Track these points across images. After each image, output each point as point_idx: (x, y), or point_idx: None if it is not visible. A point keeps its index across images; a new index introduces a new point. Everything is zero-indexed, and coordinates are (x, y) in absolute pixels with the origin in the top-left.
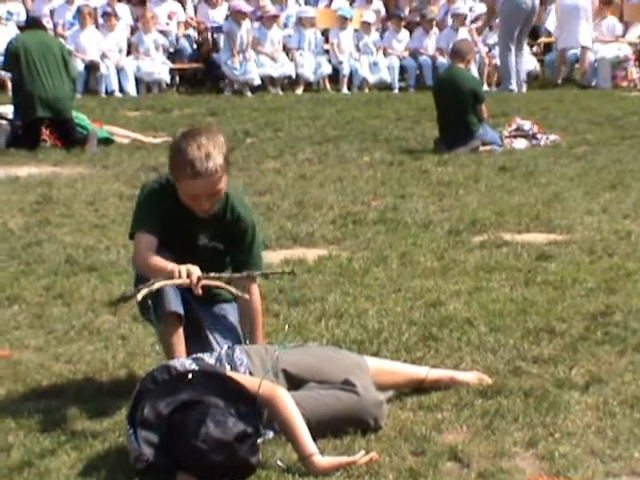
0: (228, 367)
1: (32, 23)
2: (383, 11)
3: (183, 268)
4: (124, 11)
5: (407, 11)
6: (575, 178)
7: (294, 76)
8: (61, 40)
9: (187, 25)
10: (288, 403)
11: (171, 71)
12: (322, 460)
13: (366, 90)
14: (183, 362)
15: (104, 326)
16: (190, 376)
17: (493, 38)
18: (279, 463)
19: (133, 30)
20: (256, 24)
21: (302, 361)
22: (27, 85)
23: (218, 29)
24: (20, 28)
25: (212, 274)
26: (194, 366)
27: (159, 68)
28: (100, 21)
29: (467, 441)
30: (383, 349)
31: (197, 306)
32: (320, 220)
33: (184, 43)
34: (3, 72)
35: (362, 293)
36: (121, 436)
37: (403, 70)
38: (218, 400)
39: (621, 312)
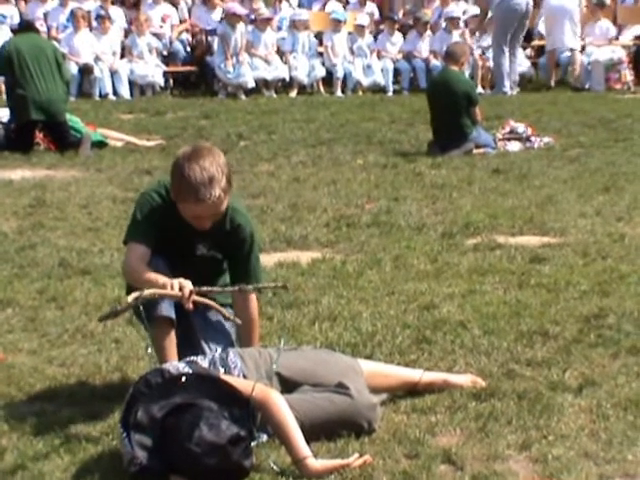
0: (222, 370)
1: (25, 26)
2: (377, 14)
3: (175, 282)
4: (118, 14)
5: (401, 14)
6: (569, 181)
7: (288, 79)
8: (54, 43)
9: (183, 22)
10: (282, 406)
11: (165, 74)
12: (316, 463)
13: (360, 93)
14: (176, 365)
15: (97, 329)
16: (183, 379)
17: (487, 41)
18: (273, 466)
19: (127, 33)
20: (250, 27)
21: (296, 364)
22: (20, 88)
23: (212, 32)
24: (13, 31)
25: (204, 288)
26: (187, 369)
27: (153, 71)
28: (94, 24)
29: (461, 444)
30: (377, 352)
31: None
32: (314, 223)
33: (178, 46)
34: None
35: (356, 296)
36: (114, 439)
37: (397, 73)
38: (212, 403)
39: (614, 315)
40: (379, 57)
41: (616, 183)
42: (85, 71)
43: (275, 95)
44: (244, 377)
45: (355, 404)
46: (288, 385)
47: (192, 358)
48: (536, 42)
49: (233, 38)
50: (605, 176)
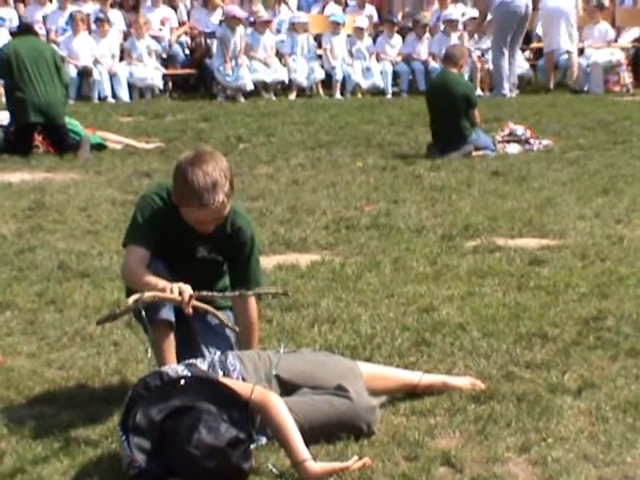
0: (221, 373)
1: (24, 29)
2: (376, 16)
3: (175, 286)
4: (117, 17)
5: (400, 16)
6: (568, 183)
7: (287, 81)
8: (53, 46)
9: (182, 25)
10: (281, 409)
11: (164, 77)
12: (315, 466)
13: (359, 95)
14: (175, 368)
15: (96, 332)
16: (182, 382)
17: (486, 43)
18: (272, 469)
19: (126, 36)
20: (249, 30)
21: (295, 367)
22: (19, 91)
23: (211, 35)
24: (12, 34)
25: (204, 292)
26: (186, 372)
27: (152, 74)
28: (93, 27)
29: (460, 446)
30: (376, 354)
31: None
32: (313, 225)
33: (177, 49)
34: None
35: (355, 298)
36: (114, 442)
37: (396, 75)
38: (211, 406)
39: (613, 317)
40: (378, 60)
41: (615, 185)
42: (84, 74)
43: (274, 98)
44: (243, 380)
45: (354, 407)
46: (287, 388)
47: (191, 361)
48: (535, 44)
49: (232, 41)
50: (604, 178)
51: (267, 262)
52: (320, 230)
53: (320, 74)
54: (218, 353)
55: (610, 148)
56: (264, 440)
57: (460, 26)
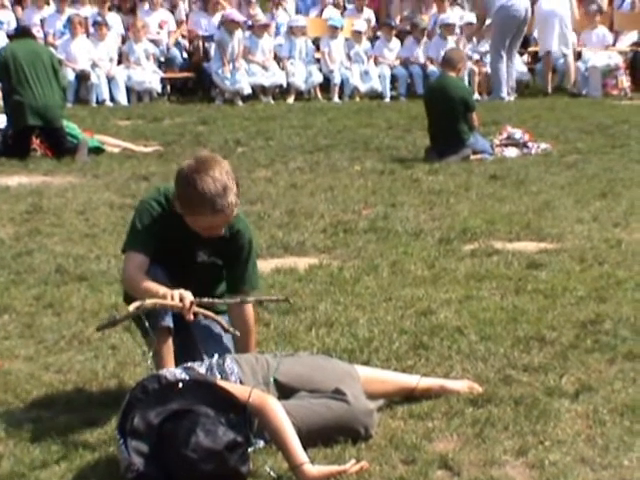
0: (219, 376)
1: (22, 32)
2: (374, 20)
3: (176, 293)
4: (115, 20)
5: (398, 20)
6: (566, 186)
7: (285, 85)
8: (51, 49)
9: (180, 24)
10: (278, 412)
11: (162, 80)
12: (313, 469)
13: (357, 99)
14: (173, 371)
15: (94, 336)
16: (180, 385)
17: (485, 47)
18: (270, 472)
19: (124, 39)
20: (247, 33)
21: (293, 370)
22: (17, 94)
23: (209, 38)
24: (10, 37)
25: (205, 299)
26: (184, 375)
27: (150, 77)
28: (91, 30)
29: (457, 449)
30: (374, 358)
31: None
32: (311, 229)
33: (175, 52)
34: None
35: (353, 302)
36: (111, 446)
37: (394, 79)
38: (208, 409)
39: (611, 320)
40: (376, 63)
41: (613, 189)
42: (82, 77)
43: (272, 101)
44: (241, 383)
45: (352, 410)
46: (285, 391)
47: (189, 364)
48: (533, 48)
49: (230, 44)
50: (602, 182)
51: (265, 266)
52: (318, 234)
53: (318, 78)
54: (216, 356)
55: (608, 152)
56: (262, 443)
57: (457, 30)
